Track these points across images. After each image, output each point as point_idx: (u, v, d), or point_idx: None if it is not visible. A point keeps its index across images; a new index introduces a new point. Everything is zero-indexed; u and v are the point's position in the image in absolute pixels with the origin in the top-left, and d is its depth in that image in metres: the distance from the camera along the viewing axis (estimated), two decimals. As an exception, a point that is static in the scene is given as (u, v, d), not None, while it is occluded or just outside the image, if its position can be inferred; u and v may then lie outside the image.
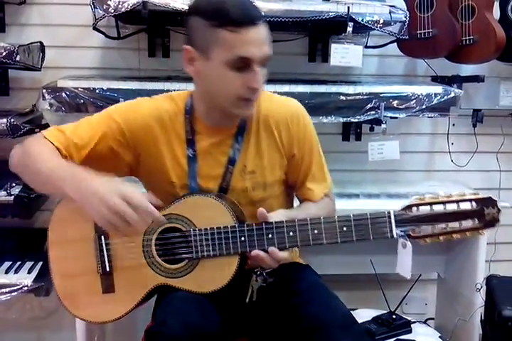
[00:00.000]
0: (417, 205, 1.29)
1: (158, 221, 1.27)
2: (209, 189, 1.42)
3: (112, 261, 1.38)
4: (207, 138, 1.43)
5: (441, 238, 1.30)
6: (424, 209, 1.29)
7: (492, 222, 1.30)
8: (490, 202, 1.30)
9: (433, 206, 1.29)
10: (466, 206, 1.28)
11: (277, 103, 1.49)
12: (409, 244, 1.33)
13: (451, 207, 1.28)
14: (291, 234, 1.30)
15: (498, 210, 1.30)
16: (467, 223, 1.28)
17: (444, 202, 1.29)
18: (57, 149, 1.36)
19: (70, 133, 1.39)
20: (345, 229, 1.29)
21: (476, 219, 1.28)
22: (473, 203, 1.29)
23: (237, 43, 1.26)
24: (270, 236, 1.29)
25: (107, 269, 1.38)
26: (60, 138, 1.38)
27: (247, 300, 1.38)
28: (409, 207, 1.29)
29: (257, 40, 1.28)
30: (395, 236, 1.29)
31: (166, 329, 1.24)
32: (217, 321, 1.31)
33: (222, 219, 1.32)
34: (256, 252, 1.29)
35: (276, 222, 1.31)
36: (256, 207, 1.41)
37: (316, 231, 1.29)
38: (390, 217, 1.29)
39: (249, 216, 1.40)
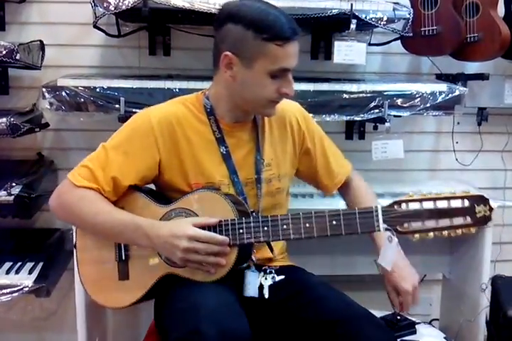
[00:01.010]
0: (406, 201, 1.31)
1: (222, 242, 1.34)
2: (249, 180, 1.50)
3: (129, 250, 1.46)
4: (231, 134, 1.51)
5: (430, 234, 1.31)
6: (413, 206, 1.30)
7: (483, 220, 1.30)
8: (481, 200, 1.30)
9: (423, 203, 1.30)
10: (456, 204, 1.29)
11: (285, 101, 1.53)
12: (395, 238, 1.33)
13: (442, 205, 1.29)
14: (284, 227, 1.35)
15: (491, 208, 1.30)
16: (458, 220, 1.29)
17: (434, 199, 1.30)
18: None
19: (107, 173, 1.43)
20: (334, 222, 1.33)
21: (468, 217, 1.29)
22: (465, 201, 1.29)
23: (282, 56, 1.37)
24: (266, 228, 1.36)
25: (123, 257, 1.46)
26: (103, 184, 1.43)
27: (245, 294, 1.41)
28: (397, 203, 1.31)
29: (296, 53, 1.40)
30: (381, 230, 1.32)
31: (200, 338, 1.21)
32: (247, 324, 1.30)
33: (225, 213, 1.38)
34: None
35: (271, 216, 1.38)
36: (274, 198, 1.55)
37: (307, 225, 1.34)
38: (377, 211, 1.32)
39: (269, 207, 1.52)
